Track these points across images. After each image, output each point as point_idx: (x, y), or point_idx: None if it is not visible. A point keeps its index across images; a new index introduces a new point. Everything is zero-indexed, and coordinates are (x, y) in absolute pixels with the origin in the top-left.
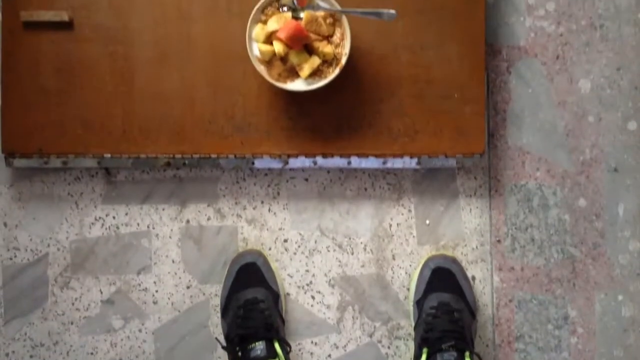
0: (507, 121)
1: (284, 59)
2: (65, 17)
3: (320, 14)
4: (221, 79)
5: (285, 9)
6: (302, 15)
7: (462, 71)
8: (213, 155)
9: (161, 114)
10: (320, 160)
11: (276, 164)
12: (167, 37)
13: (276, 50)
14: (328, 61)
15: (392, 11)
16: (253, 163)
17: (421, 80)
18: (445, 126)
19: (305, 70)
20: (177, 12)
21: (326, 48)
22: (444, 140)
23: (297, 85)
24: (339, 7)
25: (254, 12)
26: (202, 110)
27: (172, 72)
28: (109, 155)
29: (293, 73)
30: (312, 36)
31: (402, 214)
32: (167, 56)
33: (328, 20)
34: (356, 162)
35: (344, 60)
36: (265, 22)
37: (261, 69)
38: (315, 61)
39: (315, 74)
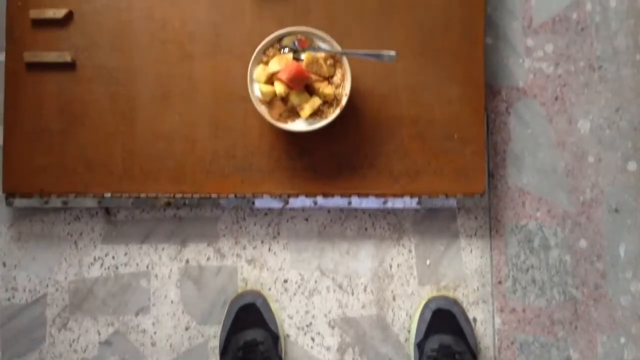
0: (507, 161)
1: (284, 99)
2: (68, 58)
3: (321, 55)
4: (222, 119)
5: (286, 50)
6: (303, 56)
7: (462, 112)
8: (213, 195)
9: (162, 153)
10: (320, 200)
11: (276, 204)
12: (168, 78)
13: (277, 91)
14: (329, 102)
15: (392, 53)
16: (253, 203)
17: (422, 120)
18: (445, 166)
19: (306, 110)
20: (179, 53)
21: (327, 89)
22: (445, 181)
23: (298, 125)
24: (339, 49)
25: (255, 53)
26: (202, 150)
27: (174, 112)
28: (109, 195)
29: (294, 113)
30: (313, 77)
31: (403, 254)
32: (168, 96)
33: (329, 62)
34: (357, 202)
35: (344, 101)
36: (266, 63)
37: (262, 109)
38: (316, 102)
39: (316, 114)
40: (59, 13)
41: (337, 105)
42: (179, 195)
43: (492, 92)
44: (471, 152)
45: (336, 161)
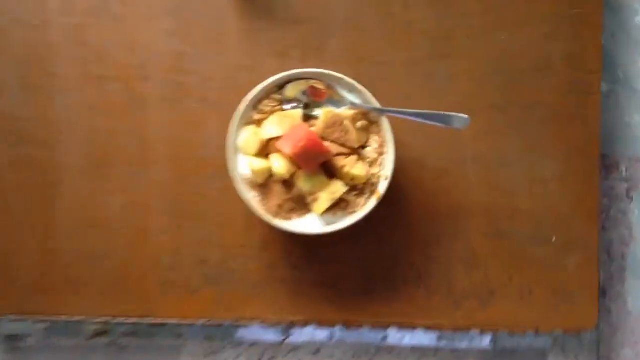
0: (626, 273)
1: (288, 182)
2: None
3: (347, 114)
4: (188, 202)
5: (292, 104)
6: (319, 114)
7: (565, 199)
8: (172, 321)
9: (95, 254)
10: (340, 332)
11: (272, 336)
12: (108, 136)
13: (276, 170)
14: (358, 188)
15: (465, 116)
16: (236, 333)
17: (500, 212)
18: (536, 285)
19: (322, 203)
20: (125, 97)
21: (356, 168)
22: (534, 308)
23: (309, 224)
24: (378, 105)
25: (242, 107)
26: (157, 250)
27: (114, 189)
28: (12, 317)
29: (302, 205)
30: (334, 148)
31: None
32: (107, 164)
33: (359, 124)
34: (396, 336)
35: (383, 187)
36: (259, 124)
37: (250, 197)
38: (338, 189)
39: (338, 205)
40: None
41: (372, 192)
42: (119, 319)
43: (606, 167)
44: (577, 263)
45: (366, 273)
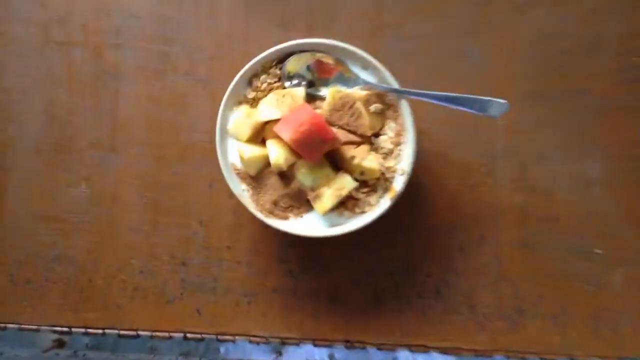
0: None
1: (286, 175)
2: None
3: (360, 95)
4: (166, 194)
5: (294, 81)
6: (326, 93)
7: (611, 204)
8: (144, 333)
9: (52, 253)
10: (341, 353)
11: (261, 355)
12: (71, 113)
13: (273, 160)
14: (370, 184)
15: (502, 101)
16: (219, 350)
17: (534, 218)
18: (573, 305)
19: (326, 200)
20: (95, 69)
21: (368, 160)
22: (569, 331)
23: (308, 224)
24: (396, 85)
25: (234, 81)
26: (127, 250)
27: (76, 177)
28: None
29: (301, 202)
30: (343, 136)
31: None
32: (67, 148)
33: (373, 107)
34: (408, 358)
35: (399, 184)
36: (253, 104)
37: (240, 191)
38: (346, 184)
39: (345, 204)
40: None
41: (386, 190)
42: (79, 330)
43: None
44: (623, 280)
45: (373, 284)
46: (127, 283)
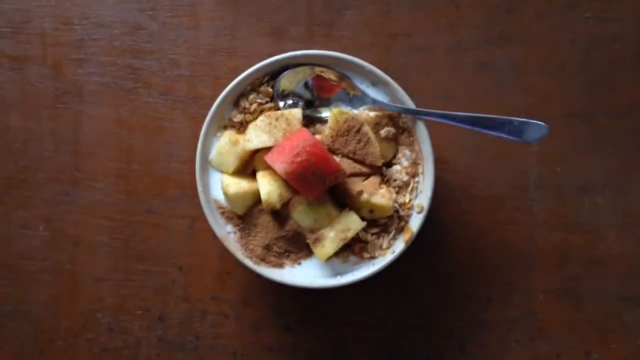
0: None
1: (280, 214)
2: None
3: (367, 116)
4: (139, 236)
5: (288, 101)
6: (327, 115)
7: None
8: None
9: (4, 307)
10: None
11: None
12: (26, 141)
13: (264, 197)
14: (381, 223)
15: (542, 124)
16: None
17: (576, 259)
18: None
19: (328, 244)
20: (54, 89)
21: (378, 195)
22: None
23: (308, 273)
24: (412, 105)
25: (216, 103)
26: (92, 302)
27: (34, 216)
28: None
29: (299, 247)
30: (348, 166)
31: None
32: (22, 182)
33: (385, 132)
34: None
35: (416, 223)
36: (241, 129)
37: (226, 232)
38: (352, 225)
39: (351, 247)
40: None
41: (400, 230)
42: None
43: None
44: None
45: (385, 340)
46: (94, 343)
